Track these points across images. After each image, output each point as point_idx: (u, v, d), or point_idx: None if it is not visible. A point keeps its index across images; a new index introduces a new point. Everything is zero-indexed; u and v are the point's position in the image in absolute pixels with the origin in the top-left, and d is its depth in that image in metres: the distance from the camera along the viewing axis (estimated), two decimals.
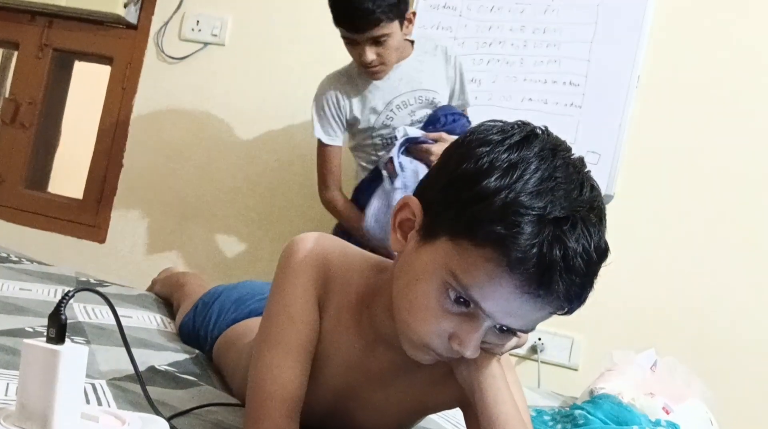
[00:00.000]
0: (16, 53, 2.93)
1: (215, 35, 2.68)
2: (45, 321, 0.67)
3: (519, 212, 0.73)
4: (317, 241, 0.94)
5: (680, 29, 2.32)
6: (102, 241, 2.73)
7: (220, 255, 2.61)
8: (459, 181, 0.78)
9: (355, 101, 2.02)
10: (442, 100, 2.04)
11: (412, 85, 2.01)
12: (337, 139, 2.06)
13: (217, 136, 2.66)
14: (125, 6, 2.67)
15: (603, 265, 0.77)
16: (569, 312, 0.79)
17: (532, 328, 0.81)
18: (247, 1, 2.67)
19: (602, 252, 0.77)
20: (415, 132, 1.93)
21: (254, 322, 1.18)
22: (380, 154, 2.03)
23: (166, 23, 2.72)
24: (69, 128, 3.06)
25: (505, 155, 0.76)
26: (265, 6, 2.65)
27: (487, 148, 0.78)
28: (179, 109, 2.71)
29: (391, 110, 2.01)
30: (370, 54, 1.89)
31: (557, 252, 0.72)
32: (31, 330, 1.21)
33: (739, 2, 2.29)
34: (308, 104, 2.55)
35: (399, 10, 1.87)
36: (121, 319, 0.82)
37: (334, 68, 2.42)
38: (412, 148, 1.91)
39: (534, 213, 0.73)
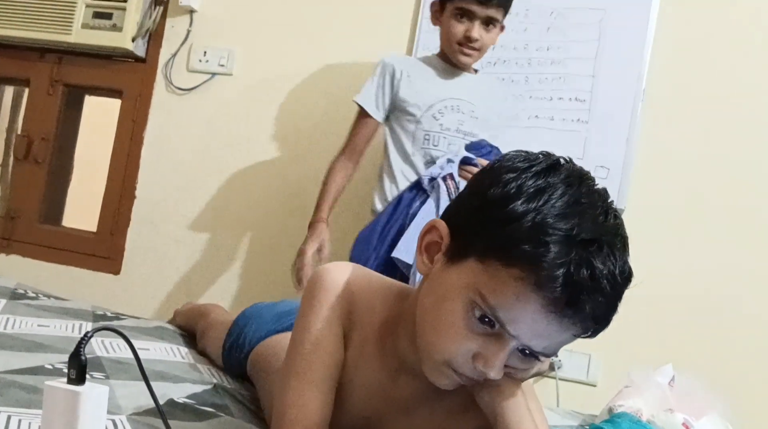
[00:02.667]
0: (27, 90, 2.97)
1: (222, 65, 2.71)
2: (64, 357, 0.68)
3: (547, 232, 0.75)
4: (342, 271, 0.96)
5: (684, 41, 2.33)
6: (117, 272, 2.75)
7: (233, 284, 2.62)
8: (488, 205, 0.81)
9: (415, 82, 2.06)
10: (487, 127, 2.09)
11: (471, 96, 2.07)
12: (377, 112, 2.08)
13: (227, 165, 2.68)
14: (133, 40, 2.71)
15: (627, 289, 0.79)
16: (592, 335, 0.80)
17: (555, 353, 0.82)
18: (253, 31, 2.70)
19: (627, 276, 0.78)
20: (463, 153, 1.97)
21: (284, 337, 1.19)
22: (418, 149, 2.05)
23: (174, 55, 2.76)
24: (81, 162, 3.09)
25: (532, 181, 0.79)
26: (271, 36, 2.68)
27: (515, 174, 0.81)
28: (189, 139, 2.74)
29: (445, 107, 2.05)
30: (479, 29, 1.97)
31: (585, 272, 0.74)
32: (50, 367, 1.22)
33: (743, 15, 2.29)
34: (315, 132, 2.59)
35: (508, 9, 2.02)
36: (138, 352, 0.83)
37: (339, 97, 2.46)
38: (461, 168, 1.95)
39: (562, 233, 0.75)
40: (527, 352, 0.81)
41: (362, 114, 2.10)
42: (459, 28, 1.99)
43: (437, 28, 2.10)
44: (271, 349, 1.33)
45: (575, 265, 0.74)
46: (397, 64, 2.09)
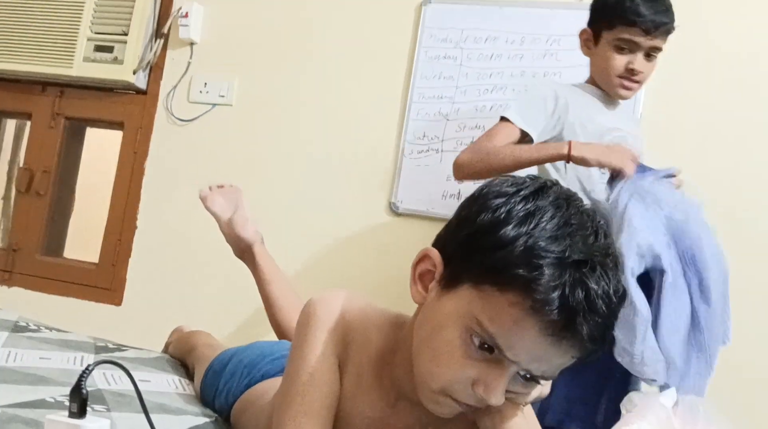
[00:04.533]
0: (29, 123, 3.00)
1: (223, 96, 2.74)
2: (65, 390, 0.68)
3: (539, 255, 0.75)
4: (336, 299, 0.95)
5: (680, 65, 2.34)
6: (118, 303, 2.76)
7: (234, 315, 2.62)
8: (478, 231, 0.81)
9: (579, 110, 1.89)
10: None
11: (629, 127, 1.97)
12: (526, 123, 1.84)
13: None
14: (134, 72, 2.74)
15: (621, 308, 0.79)
16: (591, 357, 0.80)
17: (554, 375, 0.82)
18: (252, 63, 2.73)
19: (621, 295, 0.79)
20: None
21: (269, 384, 1.18)
22: (595, 183, 1.87)
23: (175, 87, 2.79)
24: (83, 193, 3.11)
25: (521, 205, 0.79)
26: (270, 67, 2.71)
27: (503, 199, 0.81)
28: (190, 169, 2.76)
29: (614, 138, 1.89)
30: (642, 62, 1.85)
31: (579, 293, 0.74)
32: (52, 400, 1.21)
33: (740, 35, 2.31)
34: (314, 161, 2.61)
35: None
36: (139, 384, 0.83)
37: (338, 125, 2.46)
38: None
39: (554, 256, 0.75)
40: (528, 376, 0.81)
41: (503, 119, 1.88)
42: (620, 61, 1.85)
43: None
44: (248, 404, 1.31)
45: (570, 286, 0.74)
46: (560, 89, 1.93)
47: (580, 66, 2.35)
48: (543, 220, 0.78)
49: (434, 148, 2.48)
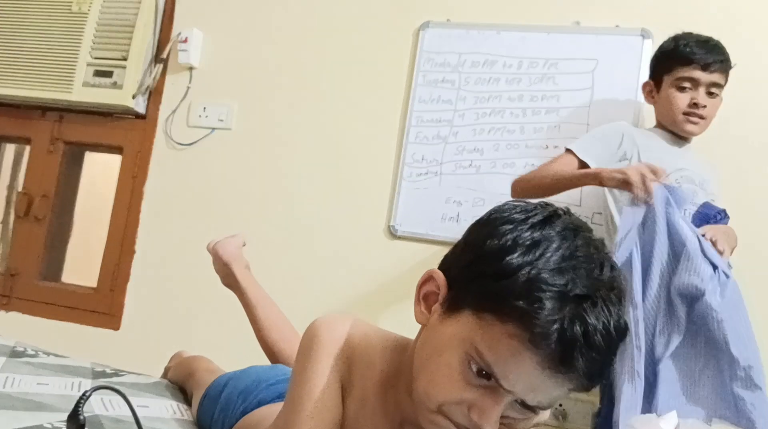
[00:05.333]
0: (28, 148, 3.01)
1: (222, 120, 2.75)
2: (63, 416, 0.68)
3: (541, 288, 0.74)
4: (340, 323, 0.95)
5: None
6: (117, 328, 2.74)
7: (233, 339, 2.60)
8: (483, 257, 0.80)
9: (647, 149, 1.99)
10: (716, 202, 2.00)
11: (697, 168, 2.02)
12: (586, 154, 1.97)
13: (226, 219, 2.69)
14: (134, 97, 2.76)
15: (622, 344, 0.78)
16: (587, 389, 0.80)
17: (550, 406, 0.82)
18: (251, 87, 2.75)
19: (622, 331, 0.78)
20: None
21: (266, 411, 1.17)
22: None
23: (174, 111, 2.80)
24: (81, 218, 3.11)
25: (528, 233, 0.79)
26: (269, 92, 2.73)
27: (511, 226, 0.81)
28: (189, 193, 2.76)
29: (681, 177, 1.97)
30: (704, 96, 1.96)
31: (578, 329, 0.74)
32: (49, 426, 1.20)
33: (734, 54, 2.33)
34: (312, 183, 2.61)
35: (728, 76, 2.00)
36: (137, 409, 0.83)
37: (336, 148, 2.47)
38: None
39: (556, 289, 0.75)
40: (523, 404, 0.81)
41: (567, 151, 2.01)
42: (683, 99, 1.97)
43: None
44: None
45: (568, 321, 0.74)
46: (629, 130, 2.04)
47: (578, 90, 2.39)
48: (548, 250, 0.77)
49: (433, 171, 2.48)
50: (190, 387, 1.74)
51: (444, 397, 0.81)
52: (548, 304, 0.74)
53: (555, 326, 0.73)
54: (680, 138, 2.07)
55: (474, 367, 0.79)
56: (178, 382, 1.86)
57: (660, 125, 2.10)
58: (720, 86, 2.00)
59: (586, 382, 0.77)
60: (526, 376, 0.76)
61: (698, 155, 2.10)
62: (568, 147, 2.01)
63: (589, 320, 0.74)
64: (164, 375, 2.02)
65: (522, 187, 2.00)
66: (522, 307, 0.74)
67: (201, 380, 1.66)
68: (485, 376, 0.79)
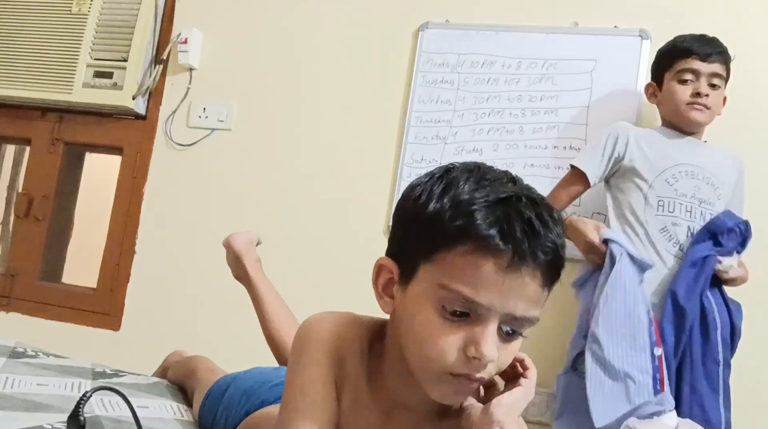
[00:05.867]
0: (28, 149, 3.01)
1: (221, 121, 2.75)
2: (63, 416, 0.68)
3: (468, 203, 0.80)
4: (330, 320, 0.96)
5: None
6: (117, 328, 2.75)
7: (233, 340, 2.61)
8: (412, 219, 0.86)
9: (645, 146, 2.04)
10: (723, 196, 2.03)
11: (704, 163, 2.02)
12: (586, 165, 2.06)
13: (226, 219, 2.70)
14: (134, 98, 2.76)
15: (561, 228, 0.84)
16: (555, 273, 0.83)
17: (536, 317, 0.84)
18: (251, 88, 2.75)
19: (557, 216, 0.83)
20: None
21: (268, 411, 1.17)
22: (651, 216, 1.98)
23: (174, 112, 2.80)
24: (81, 218, 3.11)
25: (438, 183, 0.85)
26: (269, 92, 2.73)
27: (420, 187, 0.87)
28: (189, 193, 2.76)
29: (679, 172, 2.00)
30: (707, 88, 1.99)
31: (516, 220, 0.79)
32: (49, 427, 1.21)
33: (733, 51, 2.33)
34: (312, 183, 2.61)
35: (729, 69, 2.05)
36: (137, 410, 0.83)
37: (336, 148, 2.46)
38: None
39: (482, 201, 0.80)
40: (508, 331, 0.83)
41: (573, 167, 2.11)
42: (686, 90, 2.00)
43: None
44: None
45: (505, 217, 0.79)
46: (623, 130, 2.07)
47: (576, 90, 2.39)
48: (460, 184, 0.83)
49: None
50: (190, 386, 1.74)
51: (438, 353, 0.82)
52: (480, 213, 0.80)
53: (495, 227, 0.79)
54: (687, 134, 2.07)
55: (449, 308, 0.81)
56: (179, 382, 1.86)
57: (665, 123, 2.12)
58: (721, 77, 2.01)
59: (548, 259, 0.81)
60: (493, 283, 0.79)
61: (713, 149, 2.08)
62: (572, 163, 2.10)
63: (523, 212, 0.80)
64: (159, 374, 2.02)
65: None
66: (459, 225, 0.80)
67: (203, 379, 1.67)
68: (462, 314, 0.81)
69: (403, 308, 0.87)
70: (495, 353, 0.81)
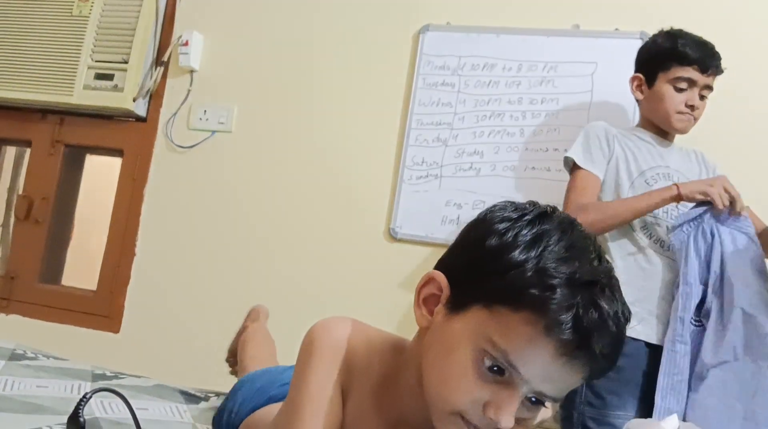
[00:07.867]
0: (28, 151, 3.01)
1: (222, 123, 2.75)
2: (63, 418, 0.68)
3: (552, 276, 0.76)
4: (338, 327, 0.94)
5: None
6: (116, 331, 2.74)
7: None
8: (485, 255, 0.82)
9: (626, 147, 2.02)
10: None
11: (680, 166, 2.04)
12: (594, 166, 2.00)
13: (226, 222, 2.70)
14: (134, 100, 2.76)
15: (626, 327, 0.80)
16: (600, 376, 0.81)
17: (562, 397, 0.82)
18: (251, 90, 2.75)
19: (628, 316, 0.80)
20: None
21: (270, 409, 1.17)
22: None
23: (175, 114, 2.80)
24: (81, 221, 3.11)
25: (527, 229, 0.81)
26: (269, 94, 2.73)
27: (508, 224, 0.82)
28: (189, 196, 2.76)
29: (657, 175, 2.00)
30: (697, 100, 1.99)
31: (593, 314, 0.76)
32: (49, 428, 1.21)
33: (731, 66, 2.33)
34: (313, 186, 2.61)
35: None
36: (137, 412, 0.83)
37: (337, 151, 2.46)
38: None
39: (565, 276, 0.76)
40: (533, 400, 0.81)
41: (576, 167, 2.02)
42: (679, 98, 1.98)
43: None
44: (252, 426, 1.31)
45: (583, 307, 0.75)
46: (608, 129, 2.04)
47: (577, 93, 2.39)
48: (550, 243, 0.79)
49: (433, 174, 2.48)
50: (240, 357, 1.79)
51: (458, 398, 0.81)
52: (560, 291, 0.75)
53: (570, 312, 0.75)
54: (664, 136, 2.07)
55: (487, 363, 0.79)
56: (237, 348, 1.93)
57: (645, 122, 2.09)
58: (711, 89, 2.02)
59: (603, 364, 0.79)
60: (542, 363, 0.77)
61: (682, 150, 2.10)
62: (579, 165, 2.00)
63: (602, 305, 0.76)
64: (240, 333, 2.05)
65: (597, 229, 1.90)
66: (535, 295, 0.76)
67: (242, 363, 1.74)
68: (498, 371, 0.79)
69: (440, 336, 0.85)
70: (512, 423, 0.80)
